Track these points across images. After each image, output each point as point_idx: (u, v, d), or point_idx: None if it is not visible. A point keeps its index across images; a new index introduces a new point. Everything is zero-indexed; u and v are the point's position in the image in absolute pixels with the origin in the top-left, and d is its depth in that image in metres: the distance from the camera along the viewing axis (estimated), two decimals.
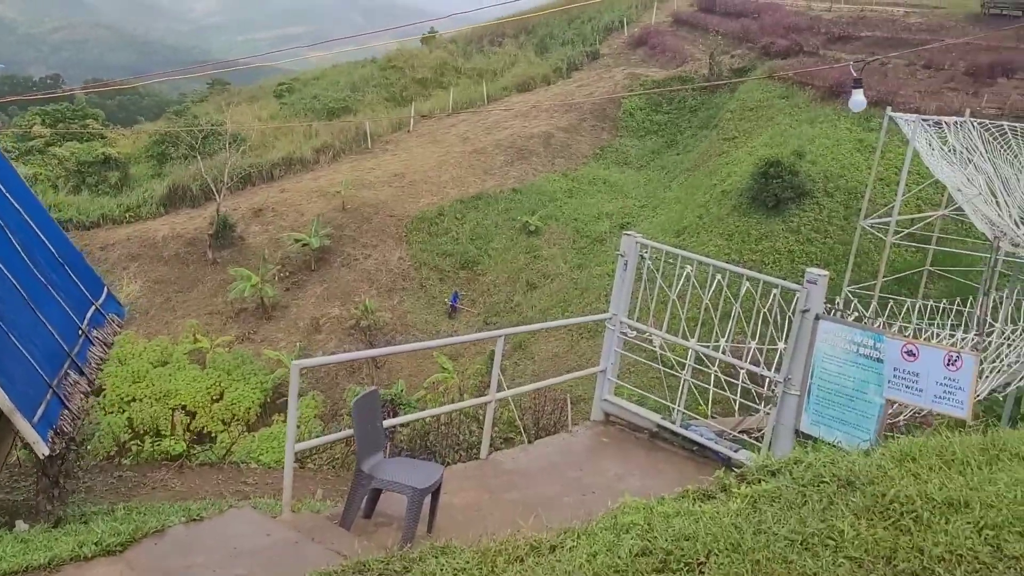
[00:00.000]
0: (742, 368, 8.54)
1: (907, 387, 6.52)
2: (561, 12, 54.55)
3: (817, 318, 6.90)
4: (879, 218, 21.43)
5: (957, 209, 19.06)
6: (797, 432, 7.12)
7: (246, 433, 22.92)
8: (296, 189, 37.71)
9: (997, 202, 16.20)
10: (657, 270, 8.04)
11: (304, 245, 32.56)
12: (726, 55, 44.17)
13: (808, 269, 7.00)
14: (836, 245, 27.98)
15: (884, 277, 20.53)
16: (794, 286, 7.00)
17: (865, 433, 6.63)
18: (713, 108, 40.73)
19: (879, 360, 6.64)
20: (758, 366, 8.26)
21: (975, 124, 18.27)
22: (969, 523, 3.35)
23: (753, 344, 8.87)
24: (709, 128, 39.42)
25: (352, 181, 36.66)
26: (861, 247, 23.24)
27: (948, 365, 6.30)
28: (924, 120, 18.34)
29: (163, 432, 21.35)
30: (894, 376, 6.57)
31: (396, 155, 41.06)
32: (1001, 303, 16.68)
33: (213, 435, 23.12)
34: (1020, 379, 13.58)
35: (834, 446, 5.33)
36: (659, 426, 8.09)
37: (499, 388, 7.45)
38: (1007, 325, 15.51)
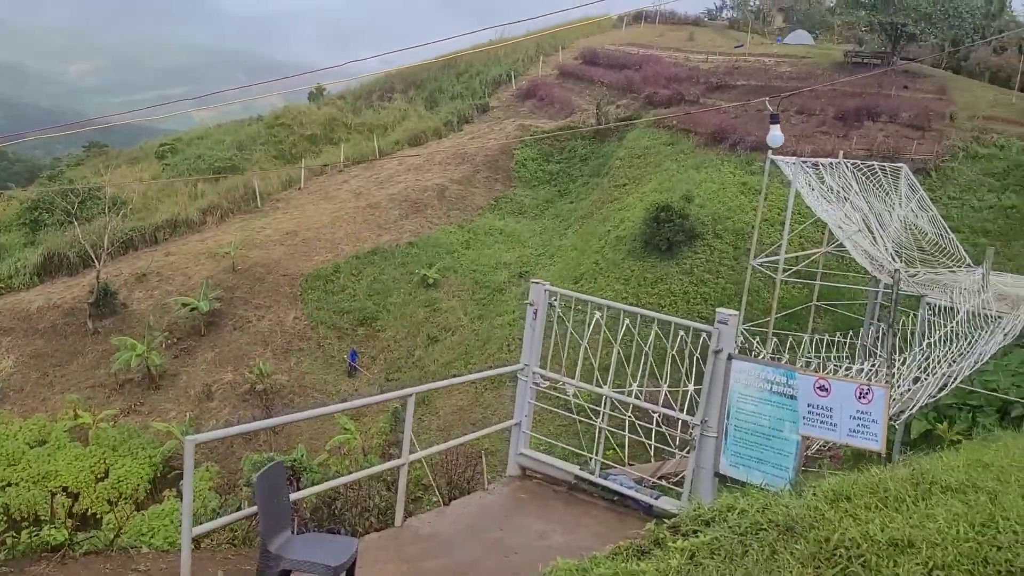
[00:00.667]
0: (656, 413, 8.45)
1: (822, 423, 6.53)
2: (449, 66, 55.17)
3: (730, 358, 6.88)
4: (767, 257, 22.16)
5: (838, 245, 19.88)
6: (717, 474, 7.03)
7: (135, 513, 21.48)
8: (182, 252, 36.34)
9: (873, 237, 17.01)
10: (567, 318, 7.90)
11: (192, 309, 31.24)
12: (612, 105, 45.59)
13: (718, 309, 6.98)
14: (728, 285, 28.84)
15: (775, 314, 21.14)
16: (706, 327, 6.97)
17: (784, 472, 6.59)
18: (603, 156, 41.76)
19: (792, 397, 6.65)
20: (672, 409, 8.19)
21: (848, 164, 19.18)
22: (918, 564, 3.24)
23: (665, 387, 8.84)
24: (600, 176, 40.33)
25: (242, 241, 35.61)
26: (751, 286, 23.95)
27: (860, 398, 6.35)
28: (803, 162, 19.13)
29: (43, 518, 19.70)
30: (808, 412, 6.57)
31: (287, 213, 40.22)
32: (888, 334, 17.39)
33: (99, 517, 21.56)
34: (913, 407, 14.06)
35: (762, 489, 5.24)
36: (577, 477, 7.87)
37: (411, 449, 7.09)
38: (896, 355, 16.12)
